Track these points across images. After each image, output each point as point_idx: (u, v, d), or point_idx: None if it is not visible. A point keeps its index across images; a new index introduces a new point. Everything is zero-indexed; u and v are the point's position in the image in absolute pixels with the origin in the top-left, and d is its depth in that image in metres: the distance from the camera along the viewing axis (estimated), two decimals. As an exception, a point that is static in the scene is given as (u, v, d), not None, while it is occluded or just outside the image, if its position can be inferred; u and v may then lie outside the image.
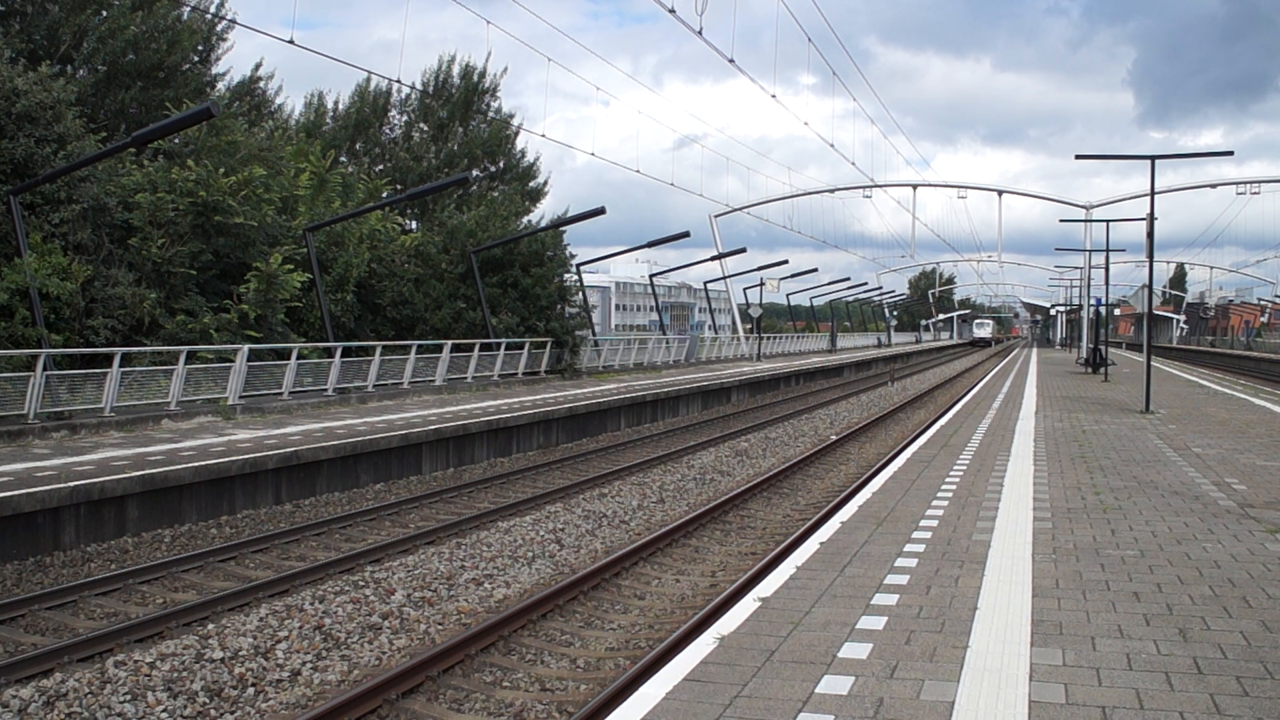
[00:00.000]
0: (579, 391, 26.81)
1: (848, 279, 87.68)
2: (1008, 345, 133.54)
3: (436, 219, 35.22)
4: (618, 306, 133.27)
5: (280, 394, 20.92)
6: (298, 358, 21.53)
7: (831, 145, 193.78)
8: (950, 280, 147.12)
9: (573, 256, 35.61)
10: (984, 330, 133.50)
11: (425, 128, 47.15)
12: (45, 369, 15.94)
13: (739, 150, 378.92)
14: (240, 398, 19.52)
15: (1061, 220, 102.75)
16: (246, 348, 20.00)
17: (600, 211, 33.85)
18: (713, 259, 58.65)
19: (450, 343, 26.78)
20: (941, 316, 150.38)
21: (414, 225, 39.83)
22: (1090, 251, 50.99)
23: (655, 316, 79.51)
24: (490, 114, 48.64)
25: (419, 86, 45.92)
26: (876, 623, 6.37)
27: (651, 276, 61.45)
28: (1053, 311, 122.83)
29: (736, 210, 65.44)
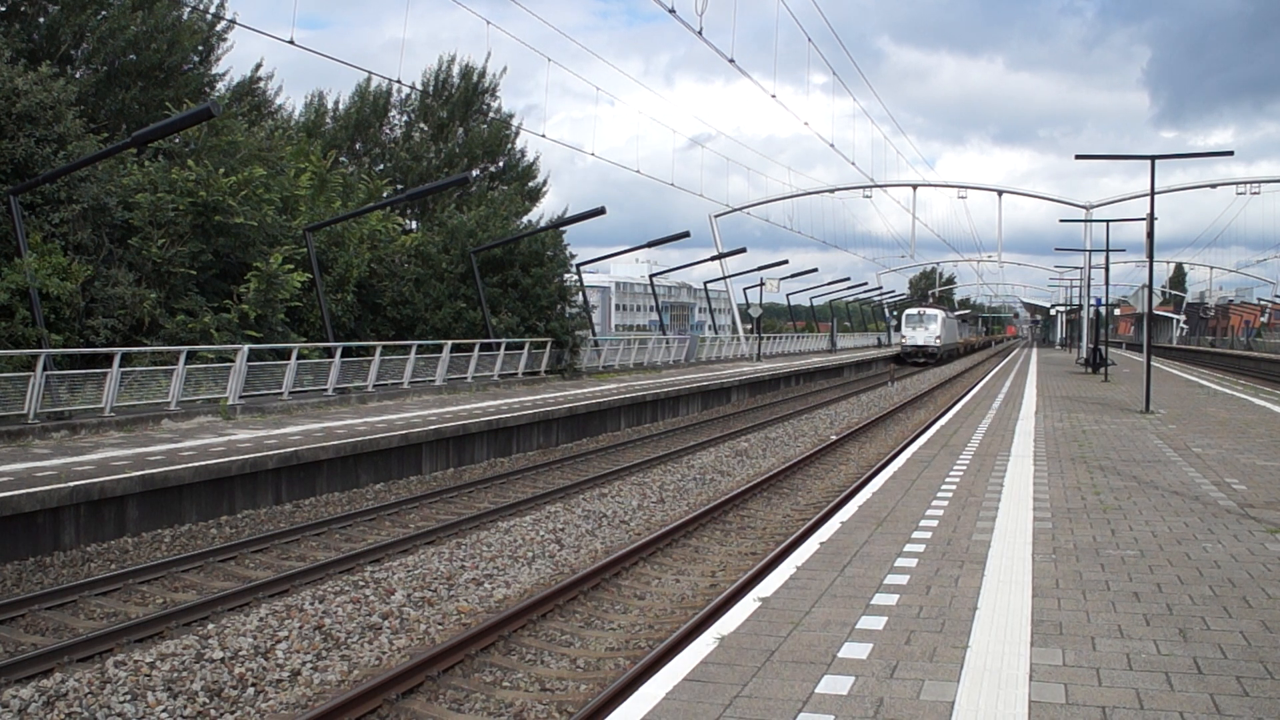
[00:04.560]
0: (579, 391, 26.81)
1: (848, 279, 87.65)
2: (1006, 346, 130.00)
3: (436, 219, 35.22)
4: (618, 306, 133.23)
5: (280, 394, 20.92)
6: (298, 358, 21.53)
7: (832, 145, 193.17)
8: (950, 280, 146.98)
9: (573, 256, 35.65)
10: (924, 331, 67.39)
11: (425, 128, 47.18)
12: (45, 369, 15.94)
13: (746, 152, 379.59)
14: (240, 398, 19.52)
15: (1061, 220, 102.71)
16: (246, 348, 20.00)
17: (600, 211, 33.85)
18: (712, 259, 58.64)
19: (450, 343, 26.78)
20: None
21: (414, 225, 39.84)
22: (1090, 251, 50.97)
23: (655, 316, 79.51)
24: (490, 114, 48.68)
25: (420, 86, 45.98)
26: (876, 623, 6.37)
27: (651, 276, 61.46)
28: (1053, 312, 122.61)
29: (737, 210, 65.38)
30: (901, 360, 66.52)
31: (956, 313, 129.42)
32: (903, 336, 68.60)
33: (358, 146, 45.62)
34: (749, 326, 61.20)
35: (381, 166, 44.49)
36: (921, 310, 69.91)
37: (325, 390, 22.17)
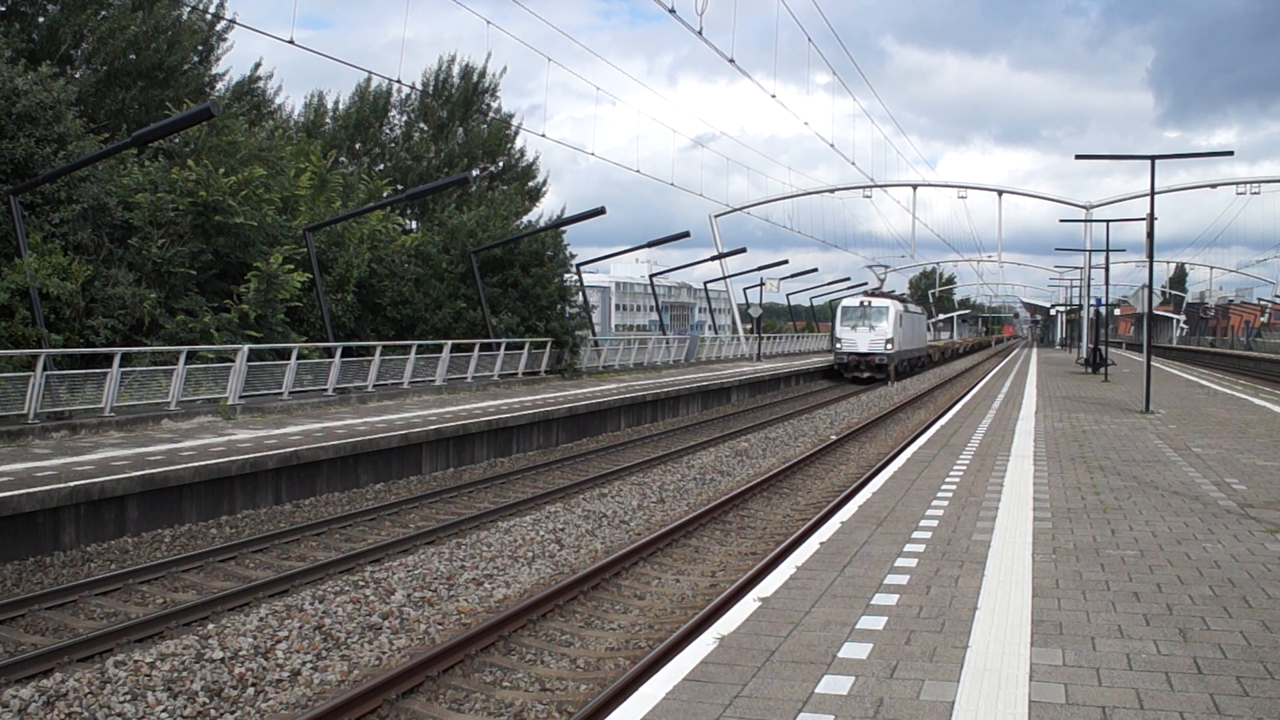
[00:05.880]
0: (579, 391, 26.80)
1: (848, 279, 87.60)
2: (1006, 346, 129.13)
3: (436, 219, 35.24)
4: (618, 306, 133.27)
5: (280, 394, 20.91)
6: (298, 358, 21.53)
7: (832, 145, 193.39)
8: (950, 280, 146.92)
9: (573, 256, 35.69)
10: (867, 331, 45.86)
11: (425, 128, 47.19)
12: (45, 369, 15.93)
13: (748, 152, 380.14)
14: (240, 397, 19.52)
15: (1061, 220, 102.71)
16: (246, 348, 20.00)
17: (600, 211, 33.87)
18: (713, 259, 58.70)
19: (450, 343, 26.79)
20: (941, 316, 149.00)
21: (414, 225, 39.85)
22: (1090, 252, 51.00)
23: (655, 316, 79.56)
24: (490, 114, 48.69)
25: (419, 86, 45.99)
26: (876, 623, 6.37)
27: (651, 276, 61.52)
28: (1053, 312, 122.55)
29: (737, 210, 65.44)
30: (837, 374, 46.23)
31: (955, 314, 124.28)
32: (838, 340, 46.62)
33: (358, 146, 45.63)
34: (749, 326, 61.19)
35: (381, 166, 44.50)
36: (865, 301, 47.51)
37: (325, 390, 22.17)
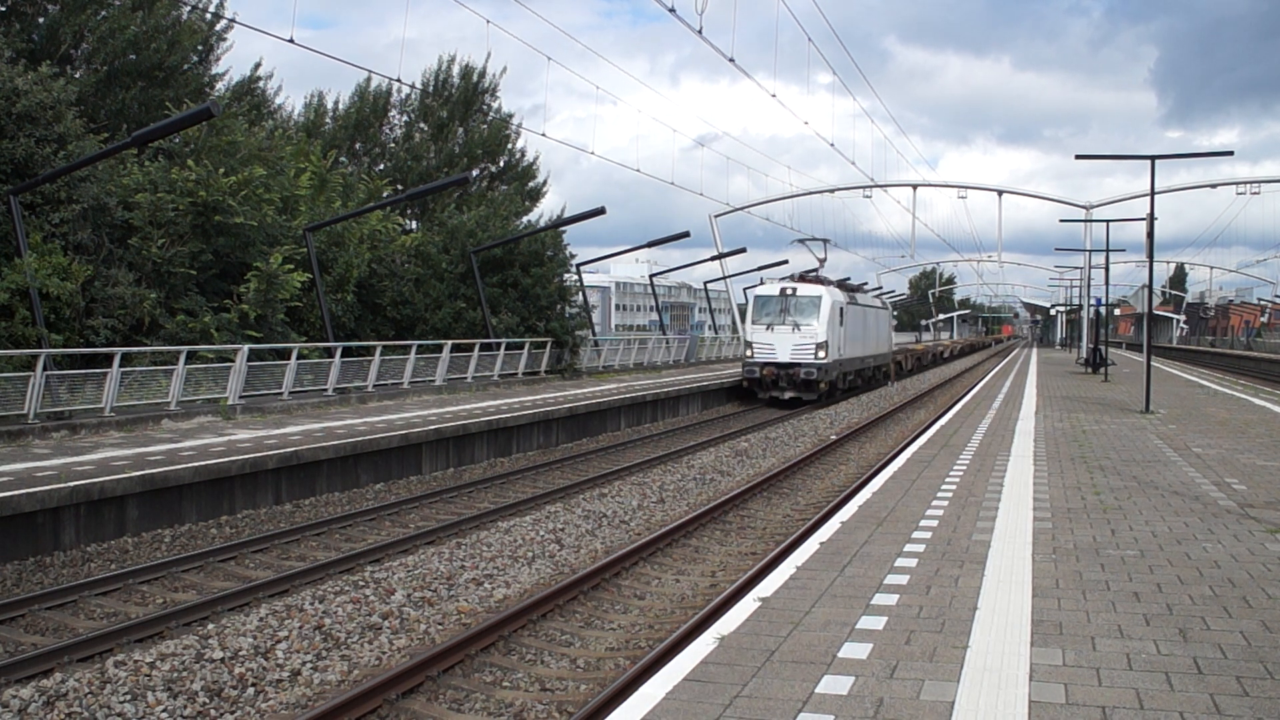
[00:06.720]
0: (579, 391, 26.81)
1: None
2: (1005, 347, 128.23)
3: (436, 219, 35.25)
4: (618, 306, 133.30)
5: (280, 394, 20.91)
6: (298, 358, 21.54)
7: (832, 145, 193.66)
8: (950, 280, 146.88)
9: (573, 256, 35.70)
10: (788, 333, 31.99)
11: (425, 128, 47.18)
12: (45, 369, 15.94)
13: (749, 152, 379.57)
14: (240, 397, 19.52)
15: (1061, 220, 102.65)
16: (246, 348, 20.01)
17: (600, 211, 33.86)
18: (712, 259, 58.68)
19: (450, 343, 26.79)
20: (941, 316, 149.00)
21: (414, 225, 39.86)
22: (1090, 252, 51.02)
23: (655, 316, 79.58)
24: (490, 114, 48.70)
25: (420, 86, 46.01)
26: (876, 623, 6.37)
27: (651, 276, 61.54)
28: (1053, 312, 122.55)
29: (738, 210, 65.41)
30: (748, 391, 33.29)
31: (954, 314, 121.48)
32: (748, 345, 33.54)
33: (358, 146, 45.62)
34: (749, 326, 60.94)
35: (381, 166, 44.50)
36: (789, 289, 33.64)
37: (325, 390, 22.17)
